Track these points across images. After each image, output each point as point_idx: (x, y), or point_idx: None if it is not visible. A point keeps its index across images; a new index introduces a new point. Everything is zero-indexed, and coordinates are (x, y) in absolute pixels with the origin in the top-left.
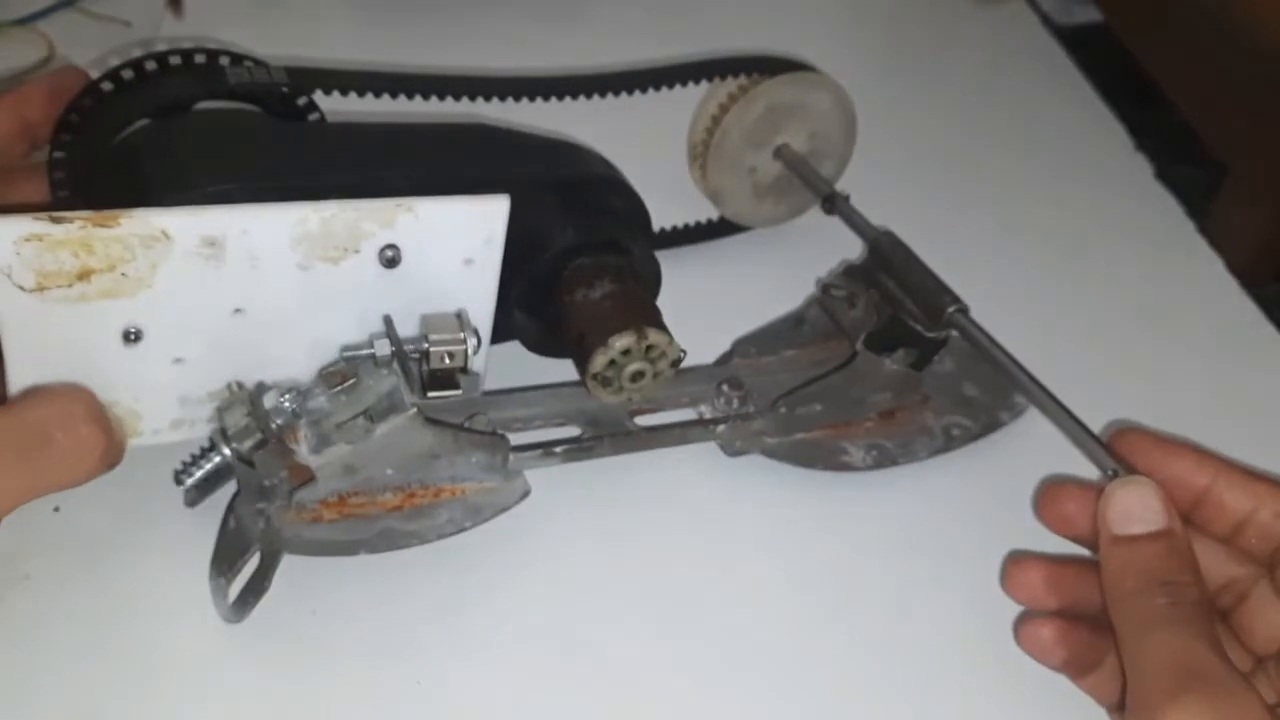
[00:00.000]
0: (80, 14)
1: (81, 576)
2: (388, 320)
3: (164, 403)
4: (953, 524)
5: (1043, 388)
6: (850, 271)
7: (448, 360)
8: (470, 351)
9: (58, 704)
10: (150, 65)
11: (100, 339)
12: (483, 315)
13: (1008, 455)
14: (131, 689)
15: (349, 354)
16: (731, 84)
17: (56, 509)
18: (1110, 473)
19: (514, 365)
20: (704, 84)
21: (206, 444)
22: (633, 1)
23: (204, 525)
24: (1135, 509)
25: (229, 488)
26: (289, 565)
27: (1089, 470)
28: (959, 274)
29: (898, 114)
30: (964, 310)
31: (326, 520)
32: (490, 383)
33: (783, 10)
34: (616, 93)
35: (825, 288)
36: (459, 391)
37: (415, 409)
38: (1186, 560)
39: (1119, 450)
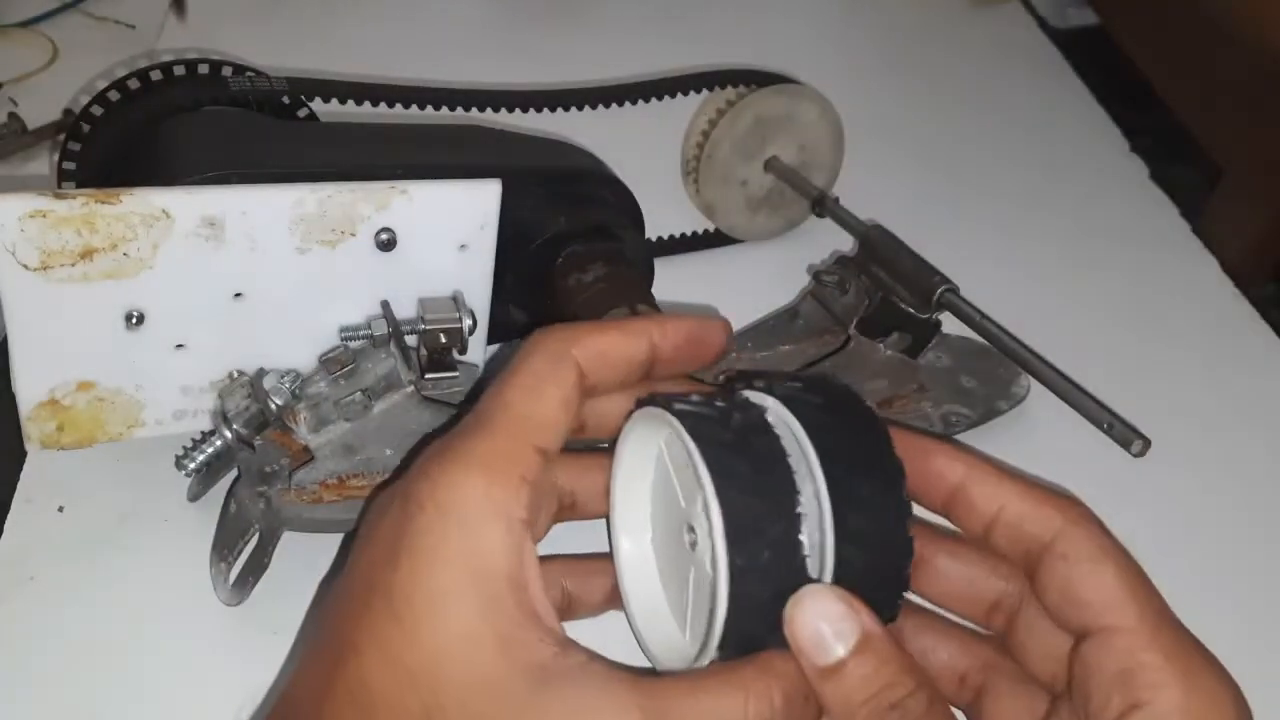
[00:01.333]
0: (84, 16)
1: (85, 576)
2: (385, 304)
3: (166, 391)
4: None
5: (1035, 354)
6: (842, 260)
7: (443, 339)
8: (466, 332)
9: (60, 704)
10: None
11: (103, 321)
12: (479, 300)
13: (1007, 440)
14: (134, 688)
15: (347, 334)
16: (720, 98)
17: (61, 509)
18: (1107, 426)
19: None
20: (694, 97)
21: (208, 430)
22: (633, 10)
23: (206, 521)
24: (825, 627)
25: (229, 482)
26: (290, 561)
27: (1087, 456)
28: (955, 274)
29: (894, 116)
30: (954, 290)
31: (326, 502)
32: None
33: (780, 13)
34: (608, 105)
35: (817, 274)
36: (456, 374)
37: (412, 386)
38: (898, 663)
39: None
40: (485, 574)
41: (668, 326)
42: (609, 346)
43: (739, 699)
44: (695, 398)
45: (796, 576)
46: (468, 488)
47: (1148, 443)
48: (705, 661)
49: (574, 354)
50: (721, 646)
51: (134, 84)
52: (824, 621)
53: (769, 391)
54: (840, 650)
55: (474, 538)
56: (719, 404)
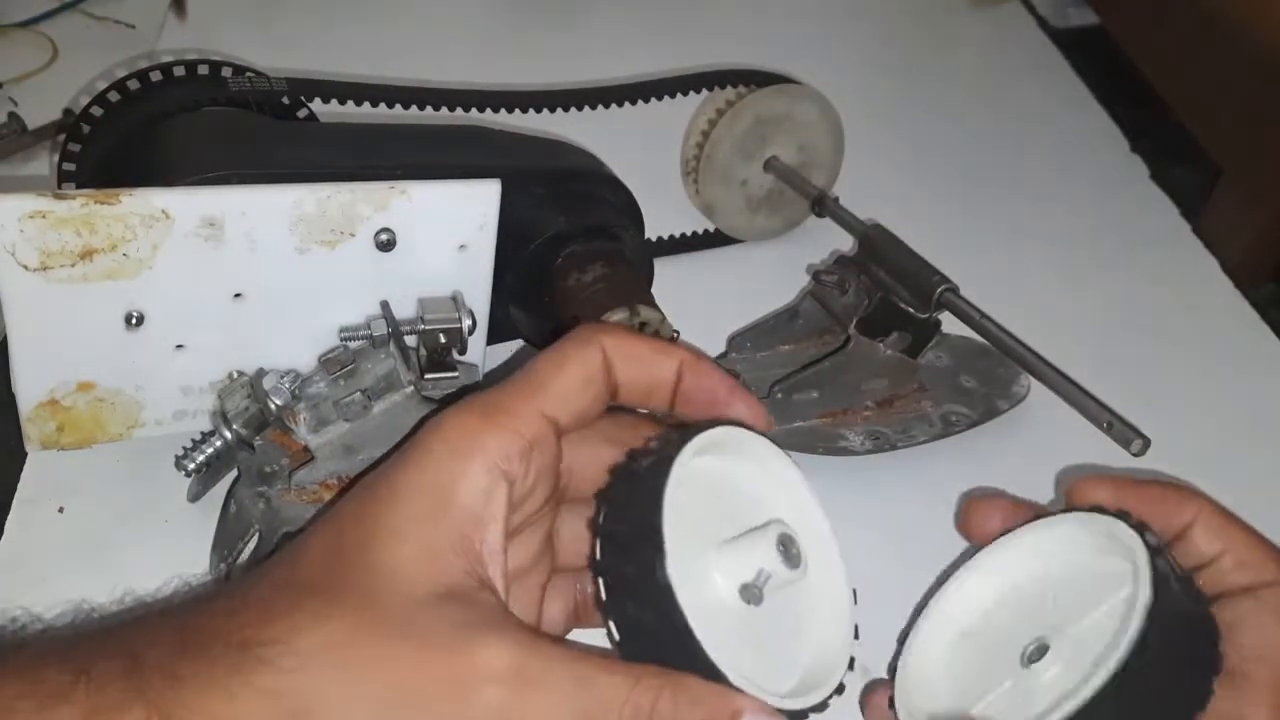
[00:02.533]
0: (84, 16)
1: (85, 576)
2: (384, 304)
3: (166, 391)
4: (950, 506)
5: (1035, 354)
6: (842, 260)
7: (443, 339)
8: (465, 332)
9: None
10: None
11: (103, 321)
12: (479, 300)
13: (1007, 440)
14: None
15: (347, 334)
16: (720, 98)
17: (61, 509)
18: (1106, 426)
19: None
20: (694, 97)
21: (208, 430)
22: (633, 10)
23: (206, 521)
24: None
25: (229, 482)
26: None
27: (1086, 456)
28: (955, 275)
29: (894, 116)
30: (953, 289)
31: (326, 502)
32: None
33: (780, 13)
34: (608, 105)
35: (817, 274)
36: (455, 374)
37: (412, 386)
38: None
39: (1075, 500)
40: (444, 496)
41: (703, 367)
42: (641, 351)
43: (624, 685)
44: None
45: None
46: (462, 428)
47: (1147, 442)
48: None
49: (604, 342)
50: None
51: (134, 85)
52: None
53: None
54: None
55: (448, 471)
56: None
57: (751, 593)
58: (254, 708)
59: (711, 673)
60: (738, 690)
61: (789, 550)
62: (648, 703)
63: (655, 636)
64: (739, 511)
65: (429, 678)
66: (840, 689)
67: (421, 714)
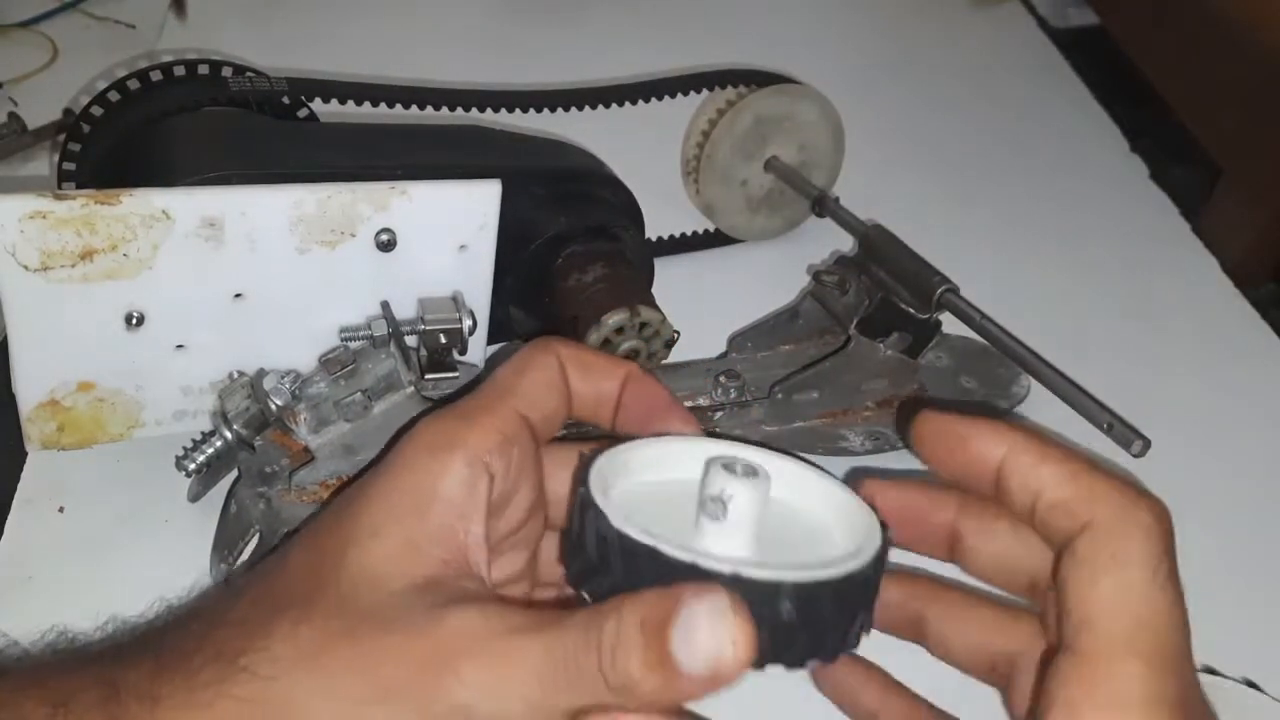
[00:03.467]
0: (84, 16)
1: (85, 576)
2: (385, 304)
3: (166, 392)
4: None
5: (1035, 354)
6: (842, 260)
7: (443, 340)
8: (466, 332)
9: None
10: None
11: (103, 322)
12: (479, 301)
13: None
14: None
15: (347, 334)
16: (720, 98)
17: (61, 509)
18: (1107, 426)
19: None
20: (694, 97)
21: (208, 430)
22: (633, 10)
23: (206, 521)
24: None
25: (229, 482)
26: None
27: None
28: (955, 275)
29: (894, 116)
30: (953, 290)
31: (307, 518)
32: None
33: (780, 13)
34: (608, 105)
35: (817, 274)
36: (456, 374)
37: (412, 386)
38: None
39: (915, 447)
40: (425, 493)
41: (645, 383)
42: (591, 361)
43: (580, 631)
44: None
45: None
46: (439, 430)
47: (1147, 443)
48: None
49: (559, 351)
50: None
51: (134, 84)
52: None
53: None
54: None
55: (427, 470)
56: None
57: (715, 508)
58: (232, 716)
59: (681, 572)
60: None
61: (732, 468)
62: (599, 635)
63: (621, 575)
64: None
65: (406, 664)
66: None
67: (402, 703)
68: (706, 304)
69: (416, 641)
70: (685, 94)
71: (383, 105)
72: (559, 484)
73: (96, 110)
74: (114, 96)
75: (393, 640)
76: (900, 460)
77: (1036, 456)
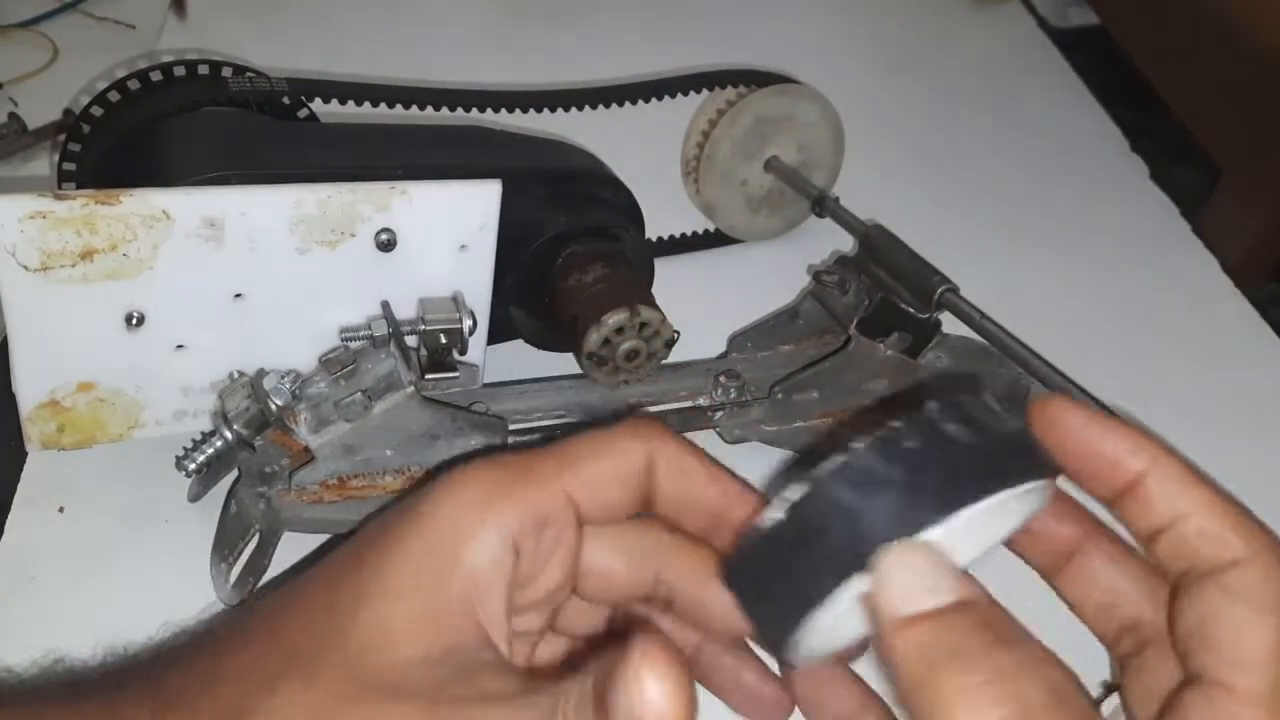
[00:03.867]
0: (84, 16)
1: (85, 576)
2: (385, 304)
3: (166, 392)
4: None
5: (1035, 354)
6: (842, 260)
7: (443, 340)
8: (466, 332)
9: None
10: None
11: (104, 322)
12: (479, 301)
13: None
14: None
15: (347, 334)
16: (720, 98)
17: (61, 509)
18: None
19: (515, 363)
20: (694, 97)
21: (208, 430)
22: (632, 10)
23: (206, 521)
24: (914, 587)
25: (229, 482)
26: (290, 561)
27: None
28: (955, 275)
29: (894, 115)
30: (953, 290)
31: (327, 502)
32: (490, 378)
33: (780, 13)
34: (608, 105)
35: (817, 274)
36: (456, 374)
37: (413, 387)
38: (1002, 629)
39: (1038, 427)
40: (448, 557)
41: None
42: (693, 467)
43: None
44: None
45: None
46: (476, 486)
47: None
48: None
49: (654, 444)
50: None
51: (134, 84)
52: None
53: None
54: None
55: (454, 531)
56: None
57: None
58: None
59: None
60: None
61: None
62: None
63: None
64: None
65: None
66: None
67: None
68: (706, 304)
69: (424, 715)
70: (685, 94)
71: (383, 105)
72: (597, 558)
73: (97, 110)
74: (114, 97)
75: (399, 710)
76: None
77: (1186, 477)
